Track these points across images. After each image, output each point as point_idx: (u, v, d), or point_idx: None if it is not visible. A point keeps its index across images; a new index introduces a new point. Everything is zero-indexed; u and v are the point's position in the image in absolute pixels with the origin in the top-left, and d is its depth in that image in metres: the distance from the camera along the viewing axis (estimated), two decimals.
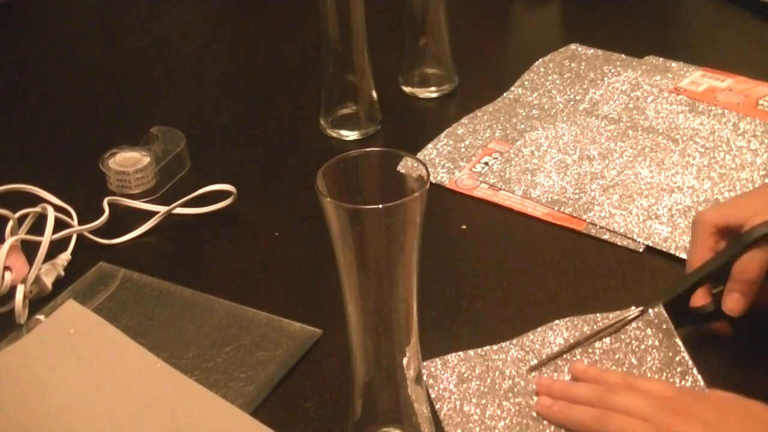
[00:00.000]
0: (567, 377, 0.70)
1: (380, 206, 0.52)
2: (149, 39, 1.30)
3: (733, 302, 0.70)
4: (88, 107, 1.14)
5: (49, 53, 1.28)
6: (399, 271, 0.55)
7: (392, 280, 0.55)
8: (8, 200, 0.87)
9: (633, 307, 0.73)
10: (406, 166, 0.56)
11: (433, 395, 0.68)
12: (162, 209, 0.90)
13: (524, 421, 0.66)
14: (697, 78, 1.08)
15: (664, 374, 0.68)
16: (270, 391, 0.70)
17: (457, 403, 0.68)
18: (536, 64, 1.14)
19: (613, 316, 0.73)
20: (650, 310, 0.72)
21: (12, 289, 0.78)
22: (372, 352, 0.58)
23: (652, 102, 1.04)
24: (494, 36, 1.28)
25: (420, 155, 0.98)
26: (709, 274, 0.72)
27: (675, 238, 0.83)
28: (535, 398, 0.68)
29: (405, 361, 0.59)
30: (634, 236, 0.85)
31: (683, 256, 0.81)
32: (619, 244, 0.84)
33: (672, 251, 0.82)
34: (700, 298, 0.73)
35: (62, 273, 0.82)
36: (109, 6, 1.41)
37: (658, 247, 0.83)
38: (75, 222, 0.88)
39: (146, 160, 0.94)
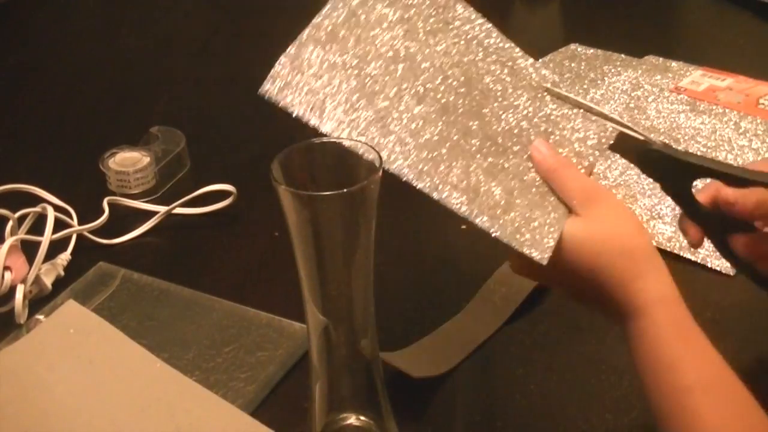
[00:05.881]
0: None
1: (334, 192, 0.53)
2: (149, 39, 1.30)
3: (732, 193, 0.63)
4: (88, 107, 1.14)
5: (49, 53, 1.28)
6: (357, 258, 0.56)
7: (350, 267, 0.56)
8: (8, 200, 0.86)
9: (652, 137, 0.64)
10: (360, 153, 0.56)
11: None
12: (162, 209, 0.90)
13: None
14: (697, 77, 1.08)
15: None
16: (270, 391, 0.70)
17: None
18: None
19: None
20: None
21: (12, 289, 0.77)
22: (333, 339, 0.58)
23: (653, 102, 1.04)
24: None
25: None
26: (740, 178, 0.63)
27: (679, 238, 0.83)
28: None
29: (363, 348, 0.59)
30: None
31: (687, 255, 0.81)
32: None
33: (676, 251, 0.82)
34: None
35: (62, 273, 0.82)
36: (109, 6, 1.41)
37: (662, 247, 0.83)
38: (75, 222, 0.88)
39: (146, 160, 0.94)
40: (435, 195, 0.60)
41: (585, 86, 1.09)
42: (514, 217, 0.60)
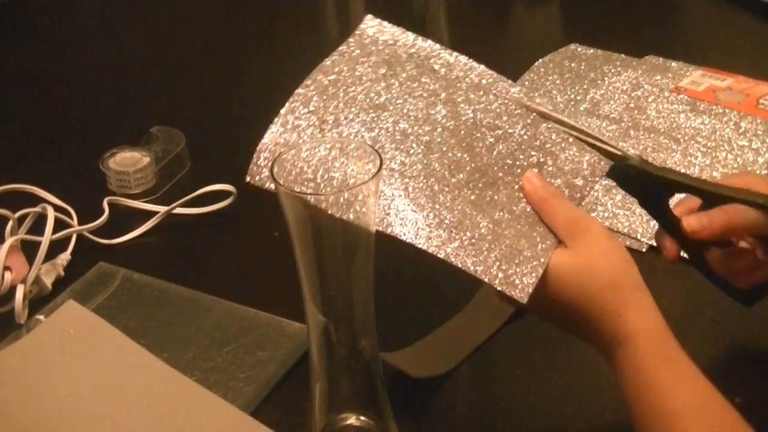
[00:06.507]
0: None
1: (336, 193, 0.53)
2: (149, 39, 1.30)
3: (696, 222, 0.63)
4: (88, 107, 1.14)
5: (49, 53, 1.28)
6: (357, 258, 0.56)
7: (350, 267, 0.56)
8: (8, 200, 0.86)
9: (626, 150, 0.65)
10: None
11: None
12: (162, 209, 0.90)
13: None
14: (697, 77, 1.08)
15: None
16: (270, 391, 0.70)
17: None
18: (536, 64, 1.14)
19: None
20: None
21: (12, 289, 0.77)
22: (333, 339, 0.58)
23: (653, 102, 1.04)
24: (494, 36, 1.28)
25: None
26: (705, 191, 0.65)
27: None
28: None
29: (363, 348, 0.59)
30: (638, 236, 0.85)
31: (686, 255, 0.81)
32: (622, 243, 0.84)
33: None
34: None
35: (62, 273, 0.82)
36: (109, 6, 1.41)
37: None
38: (75, 222, 0.88)
39: (146, 160, 0.94)
40: (414, 242, 0.59)
41: (585, 86, 1.08)
42: (497, 254, 0.59)
